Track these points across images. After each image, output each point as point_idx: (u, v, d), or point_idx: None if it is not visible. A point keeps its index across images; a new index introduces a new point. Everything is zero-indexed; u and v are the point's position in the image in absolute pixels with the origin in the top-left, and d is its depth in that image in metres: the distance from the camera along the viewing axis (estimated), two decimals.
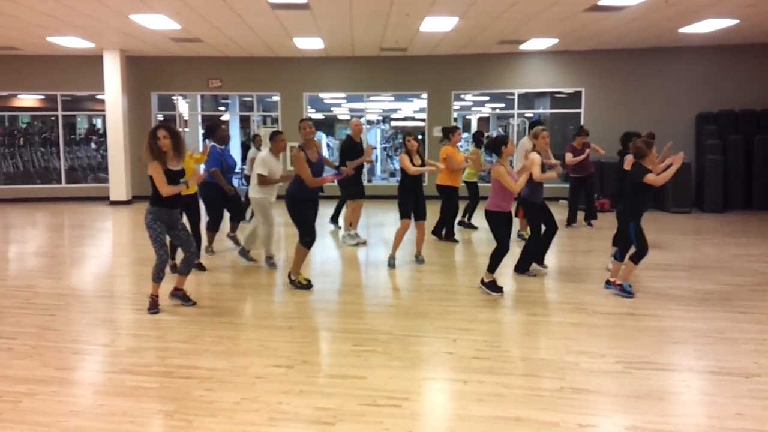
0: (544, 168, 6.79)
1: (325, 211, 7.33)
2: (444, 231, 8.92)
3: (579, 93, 14.31)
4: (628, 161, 6.68)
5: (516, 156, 8.86)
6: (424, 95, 14.99)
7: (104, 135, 14.95)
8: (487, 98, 18.23)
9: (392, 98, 17.60)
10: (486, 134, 12.45)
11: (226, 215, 8.02)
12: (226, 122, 17.61)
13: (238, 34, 11.67)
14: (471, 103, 18.84)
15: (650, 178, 5.61)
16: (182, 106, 16.62)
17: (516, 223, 8.33)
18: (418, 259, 7.49)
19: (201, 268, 7.11)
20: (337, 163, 8.54)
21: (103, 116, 14.53)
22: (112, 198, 13.94)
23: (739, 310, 5.46)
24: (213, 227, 7.77)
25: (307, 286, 6.27)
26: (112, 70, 13.56)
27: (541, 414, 3.46)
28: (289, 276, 6.34)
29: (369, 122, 16.39)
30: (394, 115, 21.01)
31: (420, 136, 12.50)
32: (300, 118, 14.17)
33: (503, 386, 3.85)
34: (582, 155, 9.67)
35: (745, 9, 9.66)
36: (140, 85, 14.53)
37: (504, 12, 9.84)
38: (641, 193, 5.77)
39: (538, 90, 15.13)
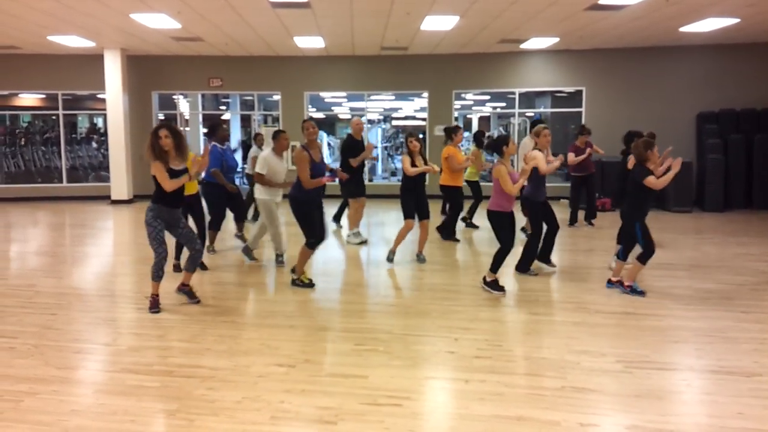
0: None
1: (329, 210, 7.36)
2: (445, 230, 8.92)
3: (580, 92, 14.30)
4: (632, 161, 6.69)
5: (519, 155, 8.87)
6: (425, 94, 14.99)
7: (105, 134, 14.95)
8: (487, 97, 18.22)
9: (393, 97, 17.59)
10: (487, 134, 12.45)
11: (229, 215, 8.03)
12: (227, 121, 17.60)
13: (239, 33, 11.67)
14: (472, 102, 18.83)
15: (651, 180, 5.62)
16: (183, 106, 16.61)
17: (524, 221, 8.37)
18: (420, 258, 7.50)
19: (203, 267, 7.11)
20: (338, 162, 8.55)
21: (104, 115, 14.54)
22: (114, 197, 13.95)
23: (739, 310, 5.46)
24: (215, 226, 7.78)
25: (309, 285, 6.28)
26: (113, 69, 13.57)
27: (542, 413, 3.46)
28: (293, 272, 6.37)
29: (370, 121, 16.40)
30: (394, 115, 21.00)
31: (421, 136, 12.51)
32: (301, 117, 14.30)
33: (505, 385, 3.85)
34: (583, 154, 9.67)
35: (746, 8, 9.65)
36: (141, 84, 14.53)
37: (504, 11, 9.83)
38: (643, 193, 5.77)
39: (539, 89, 15.13)
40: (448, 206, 9.32)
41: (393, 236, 7.57)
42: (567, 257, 7.82)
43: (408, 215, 7.26)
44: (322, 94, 16.57)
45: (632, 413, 3.47)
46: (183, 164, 5.34)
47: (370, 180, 15.48)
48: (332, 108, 20.28)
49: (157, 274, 5.37)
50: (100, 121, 18.28)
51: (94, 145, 17.96)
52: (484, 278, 6.11)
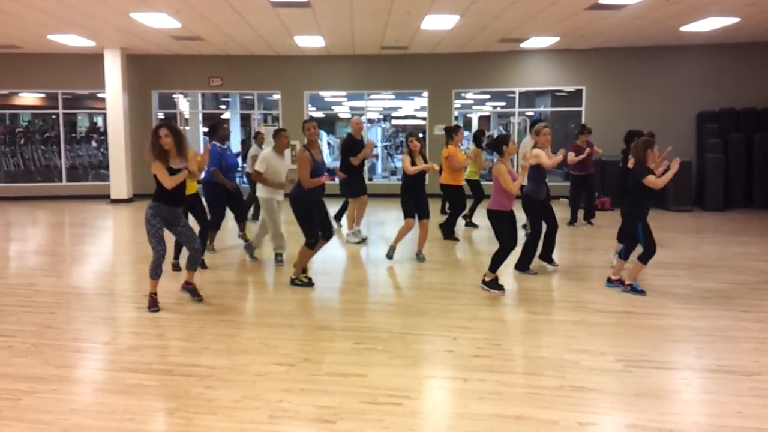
0: None
1: (331, 210, 7.37)
2: (446, 229, 8.91)
3: (580, 91, 14.30)
4: (632, 160, 6.69)
5: (519, 155, 8.88)
6: (425, 93, 14.98)
7: (105, 133, 14.95)
8: (487, 96, 18.22)
9: (393, 96, 17.58)
10: (487, 134, 12.45)
11: (230, 215, 8.04)
12: (227, 120, 17.60)
13: (239, 32, 11.66)
14: (472, 102, 18.83)
15: (650, 180, 5.62)
16: (183, 105, 16.61)
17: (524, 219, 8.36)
18: (419, 257, 7.50)
19: (203, 266, 7.11)
20: (338, 162, 8.56)
21: (104, 114, 14.55)
22: (113, 196, 13.95)
23: (739, 309, 5.46)
24: (214, 226, 7.78)
25: (309, 284, 6.28)
26: (113, 69, 13.56)
27: (541, 412, 3.46)
28: (304, 270, 6.39)
29: (370, 121, 16.39)
30: (394, 114, 20.99)
31: (421, 135, 12.51)
32: (301, 116, 14.31)
33: (504, 384, 3.85)
34: (583, 154, 9.65)
35: (746, 8, 9.64)
36: (141, 83, 14.53)
37: (505, 10, 9.83)
38: (643, 192, 5.77)
39: (539, 88, 15.13)
40: (448, 205, 9.31)
41: (392, 235, 7.58)
42: (566, 256, 7.82)
43: (408, 215, 7.27)
44: (322, 93, 16.57)
45: (631, 412, 3.46)
46: (183, 163, 5.33)
47: (370, 179, 15.47)
48: (332, 107, 20.28)
49: (155, 272, 5.37)
50: (100, 121, 18.28)
51: (94, 144, 17.96)
52: (483, 278, 6.10)
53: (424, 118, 15.43)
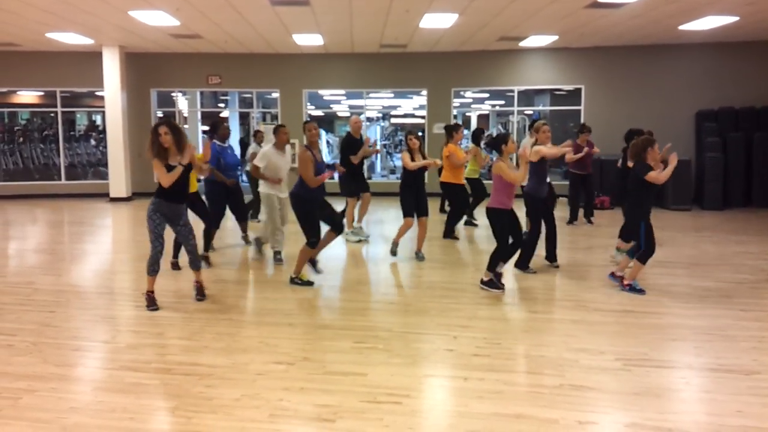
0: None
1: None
2: (447, 228, 8.91)
3: (579, 90, 14.30)
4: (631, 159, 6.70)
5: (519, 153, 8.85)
6: (424, 92, 14.97)
7: (104, 131, 14.93)
8: (486, 95, 18.23)
9: (392, 95, 17.58)
10: (486, 133, 12.45)
11: (231, 216, 8.06)
12: (225, 119, 17.60)
13: (238, 31, 11.65)
14: (471, 100, 18.85)
15: (652, 175, 5.63)
16: (182, 103, 16.60)
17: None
18: (419, 256, 7.50)
19: (207, 262, 7.16)
20: (338, 160, 8.56)
21: (103, 113, 14.53)
22: (112, 195, 13.93)
23: (739, 308, 5.47)
24: (214, 224, 7.78)
25: (308, 283, 6.28)
26: (112, 67, 13.54)
27: (541, 411, 3.46)
28: (313, 265, 6.40)
29: (369, 119, 16.38)
30: (393, 112, 20.99)
31: (420, 133, 12.51)
32: (300, 114, 14.31)
33: (503, 383, 3.85)
34: (581, 153, 9.66)
35: (745, 6, 9.64)
36: (139, 81, 14.50)
37: (504, 8, 9.82)
38: (645, 189, 5.77)
39: (538, 87, 15.12)
40: (447, 203, 9.31)
41: (392, 234, 7.59)
42: (566, 255, 7.81)
43: (407, 213, 7.28)
44: (321, 91, 16.55)
45: (631, 411, 3.47)
46: (185, 160, 5.30)
47: (369, 178, 15.46)
48: (331, 106, 20.28)
49: (152, 269, 5.36)
50: (98, 119, 18.25)
51: (93, 142, 17.93)
52: (482, 279, 6.11)
53: (423, 117, 15.42)
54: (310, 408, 3.51)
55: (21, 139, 17.01)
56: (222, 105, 19.43)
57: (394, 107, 20.74)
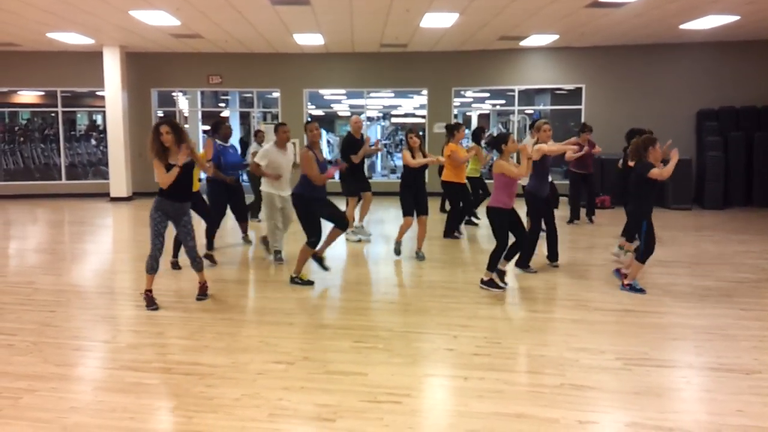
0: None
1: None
2: (447, 227, 8.90)
3: (579, 89, 14.29)
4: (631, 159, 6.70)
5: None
6: (425, 92, 14.97)
7: (104, 131, 14.94)
8: (487, 95, 18.22)
9: (392, 95, 17.57)
10: (487, 132, 12.43)
11: (231, 216, 8.07)
12: (226, 118, 17.60)
13: (238, 30, 11.65)
14: (471, 100, 18.83)
15: (655, 172, 5.62)
16: (182, 103, 16.60)
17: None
18: (419, 255, 7.49)
19: (212, 261, 7.18)
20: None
21: (103, 112, 14.53)
22: (113, 194, 13.94)
23: (739, 307, 5.46)
24: (215, 223, 7.79)
25: (309, 282, 6.28)
26: (112, 67, 13.55)
27: (541, 410, 3.46)
28: (320, 262, 6.40)
29: (369, 119, 16.38)
30: (394, 112, 20.98)
31: (420, 133, 12.49)
32: (300, 114, 14.32)
33: (504, 383, 3.85)
34: (581, 151, 9.64)
35: (746, 6, 9.63)
36: (140, 81, 14.51)
37: (505, 8, 9.81)
38: (647, 186, 5.76)
39: (538, 86, 15.11)
40: (448, 203, 9.31)
41: (392, 233, 7.59)
42: (567, 254, 7.80)
43: (407, 213, 7.28)
44: (322, 91, 16.55)
45: (631, 410, 3.47)
46: (185, 158, 5.30)
47: (370, 177, 15.46)
48: (331, 105, 20.27)
49: (151, 266, 5.36)
50: (99, 119, 18.25)
51: (93, 142, 17.93)
52: (482, 279, 6.10)
53: (423, 116, 15.41)
54: (310, 407, 3.51)
55: (22, 139, 17.01)
56: (222, 105, 19.43)
57: (395, 107, 20.74)
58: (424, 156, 7.38)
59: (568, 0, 9.29)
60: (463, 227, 9.39)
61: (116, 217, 11.90)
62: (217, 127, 7.72)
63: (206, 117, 17.24)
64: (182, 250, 6.55)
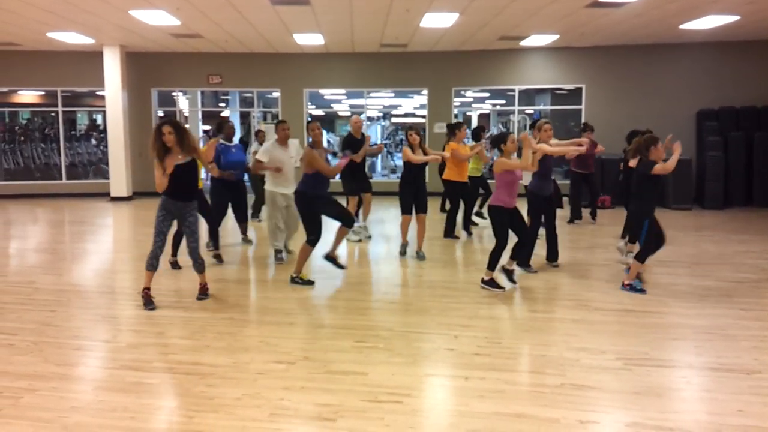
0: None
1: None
2: (447, 227, 8.89)
3: (580, 89, 14.30)
4: (635, 159, 6.69)
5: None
6: (425, 91, 14.97)
7: (105, 131, 14.94)
8: (487, 95, 18.21)
9: (392, 94, 17.57)
10: (488, 132, 12.43)
11: (231, 216, 8.09)
12: (227, 118, 17.59)
13: (239, 30, 11.65)
14: (471, 100, 18.82)
15: (659, 167, 5.64)
16: (182, 102, 16.59)
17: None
18: (419, 255, 7.49)
19: (219, 260, 7.20)
20: (337, 160, 8.55)
21: (104, 112, 14.53)
22: (113, 194, 13.94)
23: (739, 307, 5.46)
24: (216, 222, 7.80)
25: (309, 282, 6.28)
26: (112, 66, 13.55)
27: (542, 410, 3.46)
28: (329, 259, 6.41)
29: (369, 119, 16.38)
30: (394, 112, 20.98)
31: (421, 132, 12.48)
32: (300, 114, 14.33)
33: (504, 382, 3.85)
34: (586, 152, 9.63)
35: (746, 6, 9.64)
36: (140, 81, 14.51)
37: (505, 7, 9.82)
38: (651, 185, 5.76)
39: (538, 86, 15.11)
40: (448, 202, 9.30)
41: (392, 233, 7.59)
42: (567, 254, 7.81)
43: (405, 211, 7.30)
44: (322, 91, 16.55)
45: (632, 410, 3.47)
46: (188, 158, 5.29)
47: (370, 177, 15.45)
48: (332, 105, 20.27)
49: (150, 263, 5.37)
50: (99, 118, 18.25)
51: (94, 142, 17.92)
52: (482, 278, 6.10)
53: (423, 116, 15.41)
54: (310, 407, 3.51)
55: (22, 139, 16.99)
56: (223, 104, 19.42)
57: (395, 107, 20.73)
58: (425, 153, 7.36)
59: (568, 0, 9.30)
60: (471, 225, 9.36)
61: (116, 216, 11.90)
62: (221, 127, 7.77)
63: (206, 117, 17.24)
64: (181, 250, 6.59)
